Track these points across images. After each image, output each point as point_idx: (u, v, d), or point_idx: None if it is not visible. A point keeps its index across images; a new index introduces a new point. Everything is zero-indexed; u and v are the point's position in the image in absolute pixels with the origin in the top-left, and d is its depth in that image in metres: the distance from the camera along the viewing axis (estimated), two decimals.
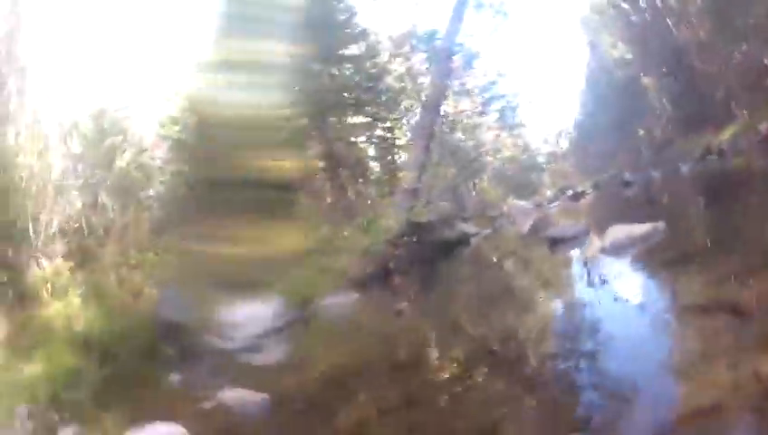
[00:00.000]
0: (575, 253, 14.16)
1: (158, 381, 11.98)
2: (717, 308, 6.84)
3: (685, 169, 32.65)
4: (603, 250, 12.11)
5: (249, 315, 15.84)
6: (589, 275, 10.46)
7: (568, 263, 13.93)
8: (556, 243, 16.79)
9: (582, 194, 43.58)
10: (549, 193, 55.43)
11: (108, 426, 9.88)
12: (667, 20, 43.98)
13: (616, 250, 11.76)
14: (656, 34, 44.65)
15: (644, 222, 12.48)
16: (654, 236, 11.78)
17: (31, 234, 17.80)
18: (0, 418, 10.18)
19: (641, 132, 52.52)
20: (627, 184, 33.31)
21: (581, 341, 6.98)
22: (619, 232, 12.39)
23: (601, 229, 13.52)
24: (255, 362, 12.88)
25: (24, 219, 17.36)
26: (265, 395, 8.55)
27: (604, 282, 9.34)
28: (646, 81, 49.99)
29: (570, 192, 46.78)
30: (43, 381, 11.99)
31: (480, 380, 6.75)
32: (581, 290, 9.62)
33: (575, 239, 16.11)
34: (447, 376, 7.29)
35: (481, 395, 6.17)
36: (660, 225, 12.12)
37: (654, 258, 10.75)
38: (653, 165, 40.11)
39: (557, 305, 9.81)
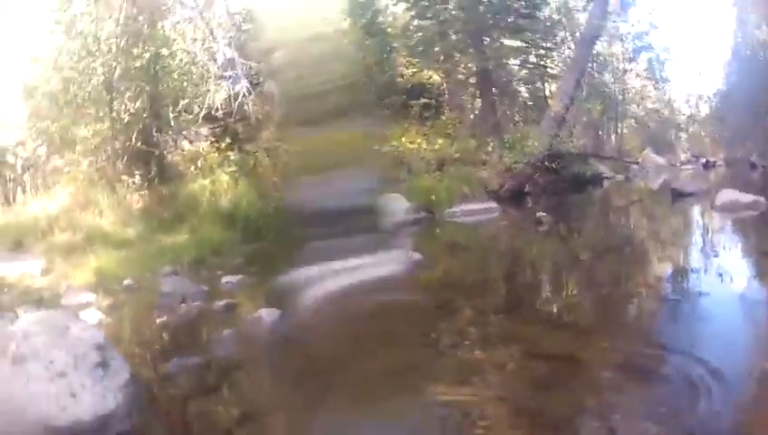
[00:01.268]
0: (693, 207, 17.21)
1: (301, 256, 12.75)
2: None
3: None
4: (714, 207, 14.95)
5: (391, 208, 16.60)
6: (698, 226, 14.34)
7: (685, 214, 16.89)
8: (679, 195, 17.98)
9: (714, 165, 43.33)
10: (683, 156, 54.97)
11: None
12: None
13: (723, 209, 14.60)
14: None
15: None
16: (754, 206, 14.31)
17: (183, 115, 18.53)
18: (146, 276, 11.07)
19: None
20: (753, 166, 33.11)
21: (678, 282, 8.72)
22: (728, 195, 14.49)
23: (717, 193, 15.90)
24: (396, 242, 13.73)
25: (177, 100, 18.21)
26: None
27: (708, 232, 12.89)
28: None
29: (703, 159, 46.47)
30: (188, 248, 12.83)
31: (571, 305, 7.82)
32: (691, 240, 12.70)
33: (695, 196, 17.37)
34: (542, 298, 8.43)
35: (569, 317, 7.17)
36: (762, 199, 14.46)
37: (748, 220, 13.64)
38: None
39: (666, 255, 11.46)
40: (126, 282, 10.52)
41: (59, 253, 12.43)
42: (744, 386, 4.63)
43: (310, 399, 5.13)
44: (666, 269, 10.00)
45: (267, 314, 7.16)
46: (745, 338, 5.92)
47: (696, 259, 10.54)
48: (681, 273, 9.31)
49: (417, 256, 11.21)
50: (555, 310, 7.58)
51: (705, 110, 65.16)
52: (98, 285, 10.34)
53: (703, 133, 64.71)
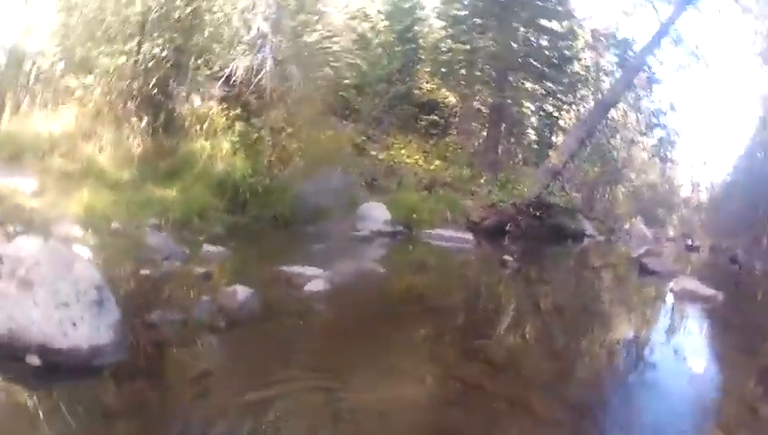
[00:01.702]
0: (654, 285, 17.31)
1: (286, 243, 13.44)
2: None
3: None
4: (672, 291, 15.21)
5: (372, 215, 17.28)
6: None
7: (645, 290, 17.09)
8: (646, 271, 18.65)
9: (698, 249, 43.92)
10: (671, 233, 55.71)
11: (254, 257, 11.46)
12: None
13: (679, 296, 14.85)
14: None
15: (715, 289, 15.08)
16: (711, 300, 14.51)
17: (202, 70, 18.92)
18: (132, 222, 11.68)
19: None
20: (733, 260, 33.71)
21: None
22: (688, 284, 15.21)
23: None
24: (367, 251, 14.42)
25: (201, 56, 18.39)
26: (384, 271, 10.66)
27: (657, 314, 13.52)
28: None
29: (689, 242, 47.12)
30: (176, 205, 13.41)
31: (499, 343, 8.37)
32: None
33: (662, 275, 18.01)
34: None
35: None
36: (720, 295, 14.72)
37: (699, 313, 13.85)
38: (763, 255, 40.14)
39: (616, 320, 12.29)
40: (114, 225, 11.17)
41: (54, 178, 12.87)
42: None
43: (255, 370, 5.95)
44: (604, 334, 10.73)
45: (241, 291, 7.73)
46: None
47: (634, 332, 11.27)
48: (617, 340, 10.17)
49: (380, 270, 11.98)
50: (483, 345, 8.33)
51: (703, 197, 65.88)
52: (87, 222, 10.87)
53: (697, 218, 65.41)
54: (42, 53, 17.05)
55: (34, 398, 4.53)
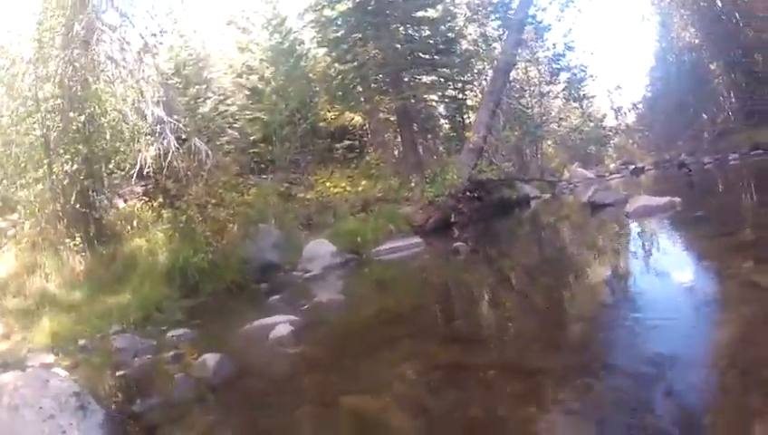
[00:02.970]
0: (610, 216, 17.97)
1: (244, 306, 13.79)
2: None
3: (731, 159, 33.76)
4: (627, 215, 15.95)
5: (318, 253, 17.59)
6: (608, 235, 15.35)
7: (601, 224, 17.85)
8: (597, 207, 19.11)
9: (643, 170, 44.45)
10: (612, 165, 56.34)
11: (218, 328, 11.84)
12: (736, 14, 44.28)
13: (635, 215, 15.64)
14: (724, 26, 44.83)
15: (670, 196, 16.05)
16: (669, 207, 15.45)
17: (116, 173, 19.10)
18: (97, 336, 12.00)
19: (704, 117, 52.38)
20: (681, 166, 34.20)
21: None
22: (641, 202, 15.59)
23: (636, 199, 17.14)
24: (323, 287, 14.75)
25: (110, 159, 18.54)
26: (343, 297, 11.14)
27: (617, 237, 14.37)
28: (713, 67, 50.13)
29: (632, 167, 47.67)
30: (133, 307, 13.70)
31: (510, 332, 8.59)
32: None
33: (614, 205, 18.39)
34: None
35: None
36: (677, 200, 15.71)
37: (661, 221, 14.72)
38: (708, 152, 40.75)
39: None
40: (81, 342, 11.50)
41: (14, 318, 13.20)
42: None
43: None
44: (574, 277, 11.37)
45: (210, 358, 8.18)
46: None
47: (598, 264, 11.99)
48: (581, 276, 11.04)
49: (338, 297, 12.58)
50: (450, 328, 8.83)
51: (630, 119, 66.61)
52: (56, 347, 11.28)
53: (630, 141, 66.09)
54: None
55: None
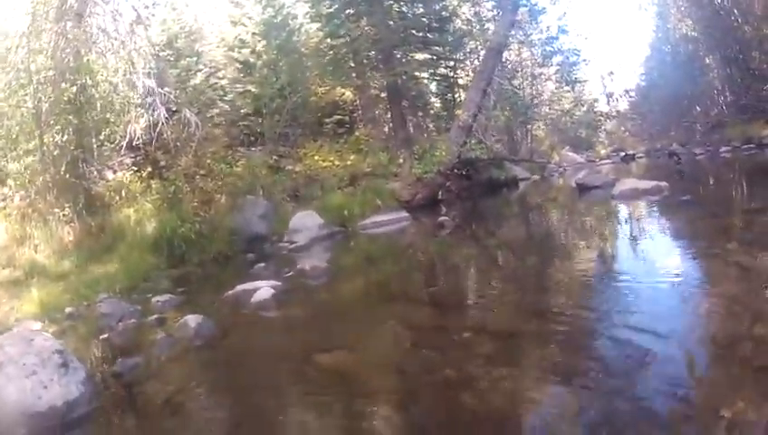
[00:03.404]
0: (597, 198, 18.06)
1: (230, 275, 13.88)
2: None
3: (723, 151, 33.82)
4: (614, 197, 16.19)
5: (305, 225, 17.65)
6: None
7: (588, 205, 17.70)
8: (586, 189, 19.13)
9: (633, 157, 44.51)
10: (603, 151, 56.36)
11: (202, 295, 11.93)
12: (734, 10, 44.22)
13: (622, 197, 15.90)
14: (723, 21, 44.70)
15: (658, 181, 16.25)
16: (655, 191, 15.61)
17: (106, 144, 19.13)
18: (80, 305, 12.07)
19: (698, 109, 52.34)
20: (672, 155, 34.24)
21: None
22: (628, 184, 15.64)
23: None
24: (308, 257, 14.81)
25: (100, 130, 18.64)
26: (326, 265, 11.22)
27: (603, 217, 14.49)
28: (708, 61, 50.05)
29: (623, 153, 47.72)
30: (120, 276, 13.75)
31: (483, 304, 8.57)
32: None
33: (602, 188, 18.49)
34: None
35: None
36: (664, 184, 15.87)
37: (648, 204, 14.82)
38: (700, 143, 40.80)
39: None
40: (68, 310, 11.55)
41: (3, 289, 13.23)
42: None
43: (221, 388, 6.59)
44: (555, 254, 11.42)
45: (192, 319, 8.30)
46: None
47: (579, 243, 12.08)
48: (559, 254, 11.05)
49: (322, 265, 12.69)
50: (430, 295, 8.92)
51: (622, 106, 66.53)
52: (43, 315, 11.30)
53: (622, 129, 66.11)
54: None
55: None
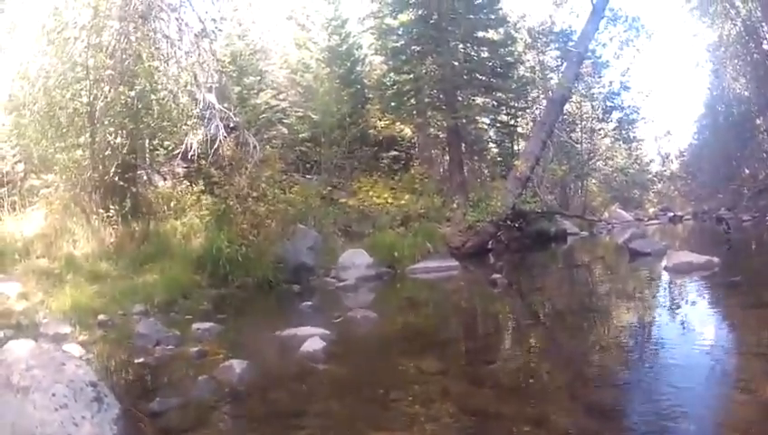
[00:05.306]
0: (648, 266, 17.71)
1: (273, 305, 13.48)
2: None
3: None
4: (666, 269, 15.67)
5: (354, 262, 17.32)
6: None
7: (639, 274, 17.25)
8: (636, 255, 18.82)
9: (681, 219, 44.05)
10: (651, 210, 55.86)
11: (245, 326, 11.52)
12: None
13: (675, 271, 15.22)
14: None
15: (709, 255, 15.75)
16: (707, 267, 15.16)
17: (159, 151, 19.03)
18: (118, 313, 11.74)
19: (746, 172, 51.65)
20: (719, 221, 33.73)
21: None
22: (681, 257, 15.24)
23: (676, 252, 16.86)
24: (356, 300, 14.42)
25: (155, 137, 19.02)
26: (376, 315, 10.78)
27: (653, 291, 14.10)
28: (759, 122, 49.28)
29: (670, 214, 47.26)
30: (158, 288, 13.42)
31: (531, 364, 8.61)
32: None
33: (652, 255, 18.04)
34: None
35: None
36: (715, 259, 15.41)
37: (699, 282, 14.27)
38: (747, 208, 40.21)
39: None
40: (100, 317, 11.25)
41: (36, 279, 12.97)
42: None
43: None
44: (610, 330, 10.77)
45: (237, 365, 7.87)
46: None
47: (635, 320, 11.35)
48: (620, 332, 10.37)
49: (372, 315, 11.96)
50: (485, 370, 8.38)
51: (674, 166, 65.99)
52: (74, 318, 11.03)
53: (672, 188, 65.51)
54: (2, 156, 17.10)
55: None
